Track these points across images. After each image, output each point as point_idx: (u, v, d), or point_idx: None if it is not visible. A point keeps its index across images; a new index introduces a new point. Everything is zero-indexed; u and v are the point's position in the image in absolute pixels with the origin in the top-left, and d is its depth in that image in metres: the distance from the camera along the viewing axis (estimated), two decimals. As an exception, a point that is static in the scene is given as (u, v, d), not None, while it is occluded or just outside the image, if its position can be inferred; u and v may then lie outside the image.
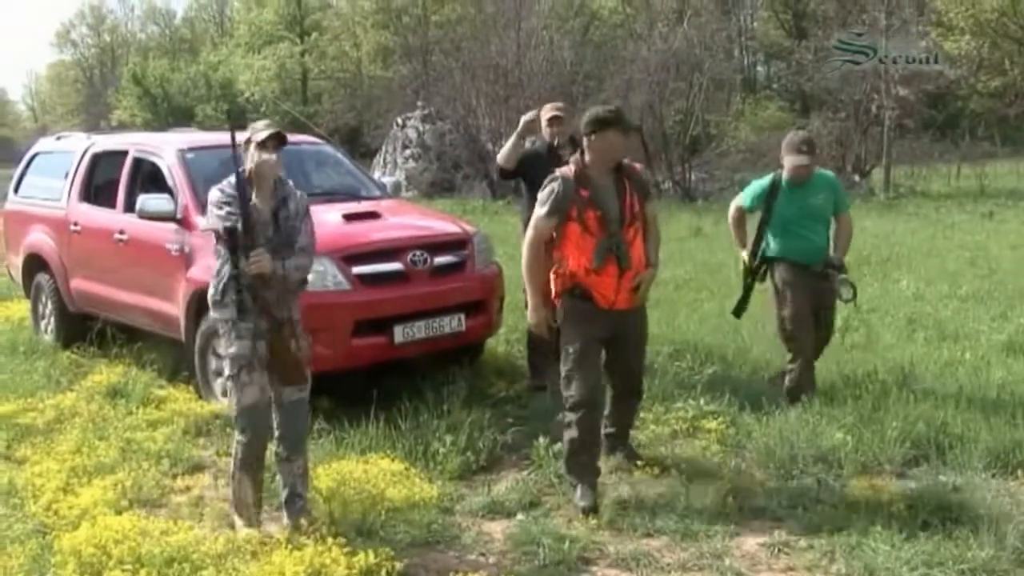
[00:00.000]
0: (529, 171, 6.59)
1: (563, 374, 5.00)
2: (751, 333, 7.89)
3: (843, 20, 29.90)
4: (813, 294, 6.11)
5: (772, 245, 6.24)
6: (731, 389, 6.41)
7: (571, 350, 4.95)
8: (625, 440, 5.52)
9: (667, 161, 26.18)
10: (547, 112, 6.80)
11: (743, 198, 6.39)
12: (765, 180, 6.26)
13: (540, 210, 4.96)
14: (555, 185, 4.91)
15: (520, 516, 4.83)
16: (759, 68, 51.81)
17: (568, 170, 4.96)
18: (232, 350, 4.52)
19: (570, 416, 4.97)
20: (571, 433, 4.97)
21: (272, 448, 4.67)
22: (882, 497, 4.78)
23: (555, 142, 6.72)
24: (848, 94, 26.69)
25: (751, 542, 4.50)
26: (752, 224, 6.38)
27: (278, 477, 4.73)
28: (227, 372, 4.62)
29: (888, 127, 24.91)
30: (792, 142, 6.05)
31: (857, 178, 25.80)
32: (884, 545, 4.24)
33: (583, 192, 4.87)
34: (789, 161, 6.01)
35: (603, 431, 5.30)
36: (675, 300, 9.85)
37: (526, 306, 5.24)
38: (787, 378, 6.20)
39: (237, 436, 4.63)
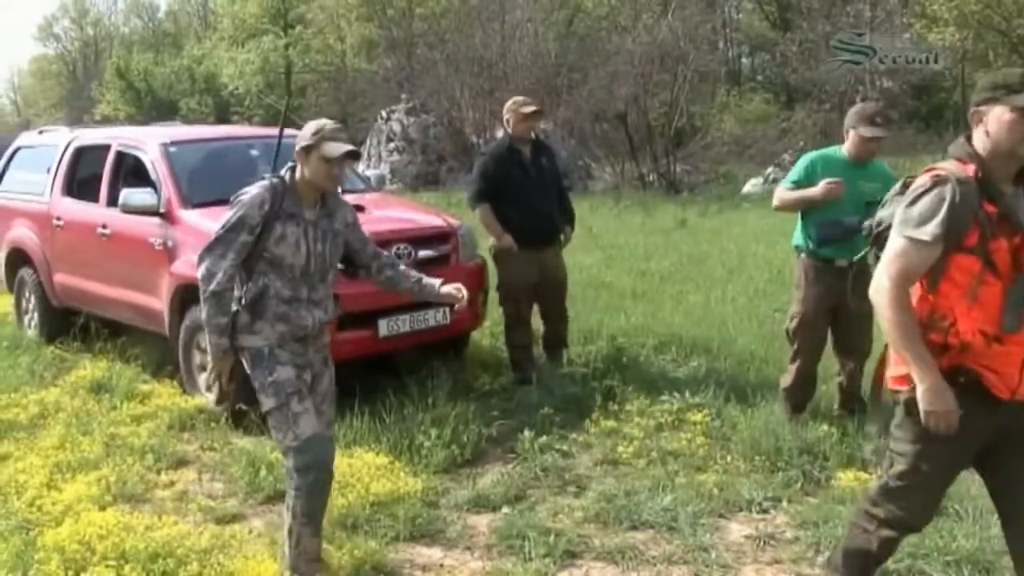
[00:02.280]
0: (501, 181, 6.64)
1: (887, 483, 3.39)
2: (736, 325, 7.91)
3: (827, 12, 29.94)
4: (832, 294, 5.48)
5: (802, 230, 5.71)
6: (716, 382, 6.41)
7: (926, 468, 3.27)
8: None
9: (652, 153, 26.23)
10: (526, 107, 6.78)
11: (789, 177, 5.67)
12: (817, 154, 5.66)
13: (917, 230, 3.03)
14: (944, 191, 3.00)
15: (505, 509, 4.82)
16: (744, 60, 51.86)
17: (959, 168, 3.08)
18: (273, 377, 3.88)
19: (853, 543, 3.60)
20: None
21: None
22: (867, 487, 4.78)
23: (535, 138, 6.70)
24: (833, 85, 26.76)
25: (737, 534, 4.51)
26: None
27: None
28: (266, 405, 3.91)
29: (873, 118, 24.93)
30: (865, 112, 5.47)
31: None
32: (870, 536, 4.24)
33: (989, 207, 3.01)
34: (862, 132, 5.38)
35: None
36: (660, 292, 9.87)
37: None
38: (782, 379, 5.94)
39: (294, 482, 3.90)
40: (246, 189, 3.92)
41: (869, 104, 5.52)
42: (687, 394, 6.23)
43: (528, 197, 6.65)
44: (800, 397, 5.84)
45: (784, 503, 4.79)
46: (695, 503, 4.74)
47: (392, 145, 27.21)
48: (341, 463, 5.16)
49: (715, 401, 6.11)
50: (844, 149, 5.57)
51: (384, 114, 28.13)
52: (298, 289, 3.94)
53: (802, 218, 5.69)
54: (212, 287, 3.81)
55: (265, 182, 3.91)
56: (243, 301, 3.88)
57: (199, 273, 3.86)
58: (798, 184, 5.58)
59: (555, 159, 7.18)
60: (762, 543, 4.40)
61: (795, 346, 5.81)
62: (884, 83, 25.57)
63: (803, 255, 5.73)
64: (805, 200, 5.52)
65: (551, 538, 4.40)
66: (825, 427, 5.51)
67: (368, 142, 28.29)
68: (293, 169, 3.95)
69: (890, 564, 4.01)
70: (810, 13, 32.20)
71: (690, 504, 4.73)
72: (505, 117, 6.86)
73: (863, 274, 3.60)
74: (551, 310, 7.03)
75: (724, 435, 5.69)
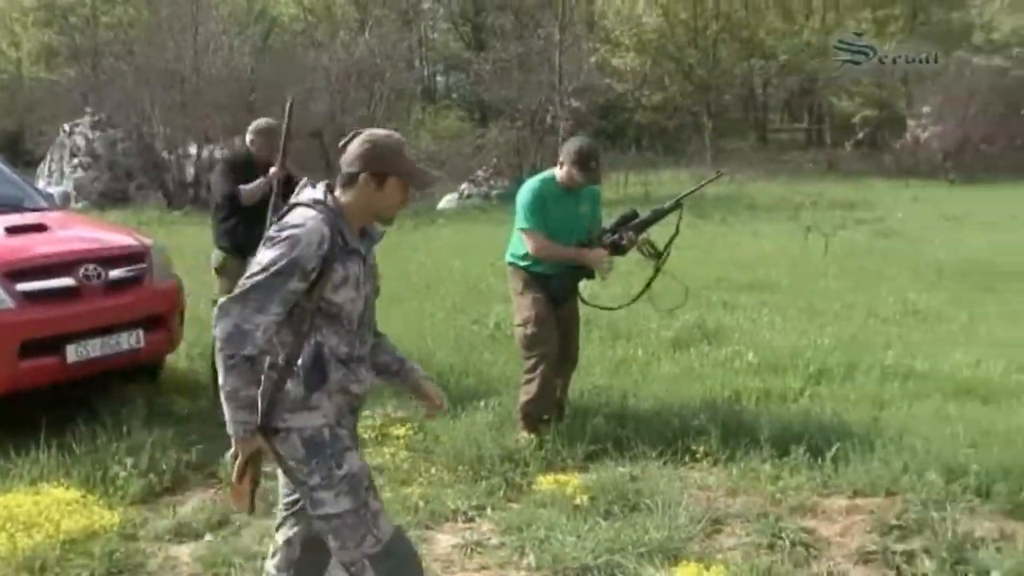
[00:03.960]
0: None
1: None
2: (435, 339, 8.04)
3: (520, 34, 31.16)
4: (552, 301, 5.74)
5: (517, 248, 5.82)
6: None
7: None
8: None
9: (349, 170, 26.14)
10: (264, 124, 6.66)
11: (527, 219, 5.67)
12: (539, 186, 5.71)
13: None
14: None
15: (209, 537, 4.66)
16: (439, 78, 52.86)
17: None
18: (345, 469, 3.06)
19: None
20: None
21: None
22: (567, 491, 4.99)
23: (266, 154, 6.55)
24: (525, 104, 27.78)
25: (444, 544, 4.57)
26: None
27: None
28: (335, 506, 3.06)
29: (562, 136, 26.08)
30: (582, 155, 5.55)
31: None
32: (571, 536, 4.43)
33: None
34: (576, 177, 5.57)
35: None
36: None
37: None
38: (523, 393, 5.79)
39: None
40: (292, 219, 3.03)
41: (585, 145, 5.62)
42: (389, 408, 6.26)
43: (260, 213, 6.48)
44: (546, 406, 5.74)
45: (489, 510, 4.91)
46: (402, 516, 4.76)
47: (76, 161, 25.66)
48: (26, 501, 4.83)
49: (418, 414, 6.15)
50: (558, 177, 5.70)
51: (67, 127, 26.50)
52: (353, 345, 3.14)
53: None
54: (245, 350, 2.91)
55: (316, 212, 3.03)
56: (295, 368, 3.04)
57: (222, 331, 2.93)
58: (538, 224, 5.63)
59: (292, 178, 7.07)
60: (469, 551, 4.48)
61: (534, 352, 5.70)
62: (573, 103, 26.80)
63: (516, 268, 5.84)
64: (573, 258, 5.70)
65: (258, 563, 4.29)
66: (524, 434, 5.69)
67: (49, 157, 26.57)
68: (331, 188, 3.15)
69: (589, 560, 4.22)
70: (503, 34, 33.36)
71: (396, 518, 4.75)
72: (248, 138, 6.71)
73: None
74: None
75: (427, 448, 5.75)
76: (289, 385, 3.03)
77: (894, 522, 4.55)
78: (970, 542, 4.33)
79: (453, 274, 12.34)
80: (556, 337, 5.72)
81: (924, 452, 5.22)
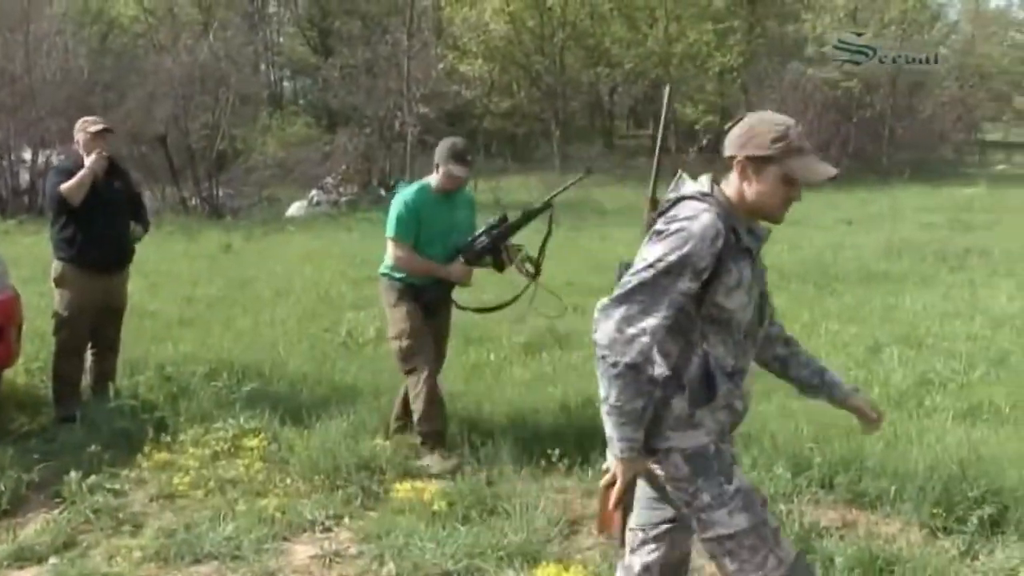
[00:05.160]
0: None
1: None
2: (287, 347, 7.93)
3: (367, 40, 30.97)
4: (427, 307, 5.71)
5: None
6: (271, 405, 6.33)
7: None
8: None
9: (194, 176, 25.62)
10: (94, 127, 6.40)
11: (397, 230, 5.58)
12: (411, 196, 5.60)
13: None
14: None
15: (53, 560, 4.46)
16: (286, 83, 52.02)
17: None
18: (736, 484, 2.81)
19: None
20: None
21: None
22: (424, 497, 4.98)
23: (109, 159, 6.34)
24: (373, 110, 27.64)
25: (302, 555, 4.51)
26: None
27: None
28: (730, 525, 2.78)
29: (411, 143, 26.06)
30: (456, 150, 5.55)
31: (383, 192, 26.77)
32: (430, 543, 4.43)
33: None
34: (453, 170, 5.54)
35: None
36: (208, 319, 9.66)
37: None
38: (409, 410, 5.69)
39: None
40: (682, 211, 2.73)
41: (458, 141, 5.65)
42: (242, 420, 6.11)
43: (98, 220, 6.28)
44: (438, 417, 5.59)
45: (346, 519, 4.87)
46: (258, 529, 4.67)
47: None
48: None
49: (271, 424, 6.06)
50: (434, 184, 5.65)
51: None
52: (739, 357, 2.84)
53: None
54: (629, 357, 2.62)
55: (707, 205, 2.73)
56: (682, 381, 2.77)
57: (603, 335, 2.65)
58: (406, 234, 5.55)
59: (131, 182, 6.86)
60: (328, 561, 4.43)
61: (411, 364, 5.58)
62: (421, 109, 26.78)
63: (390, 280, 5.72)
64: (433, 274, 5.63)
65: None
66: (380, 441, 5.67)
67: None
68: (715, 181, 2.85)
69: (449, 566, 4.24)
70: (351, 40, 33.13)
71: (252, 531, 4.67)
72: (76, 137, 6.46)
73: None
74: (105, 339, 6.66)
75: (282, 458, 5.65)
76: (675, 400, 2.77)
77: (743, 516, 4.70)
78: (815, 531, 4.52)
79: (304, 282, 12.19)
80: (432, 347, 5.67)
81: (771, 448, 5.41)
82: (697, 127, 39.15)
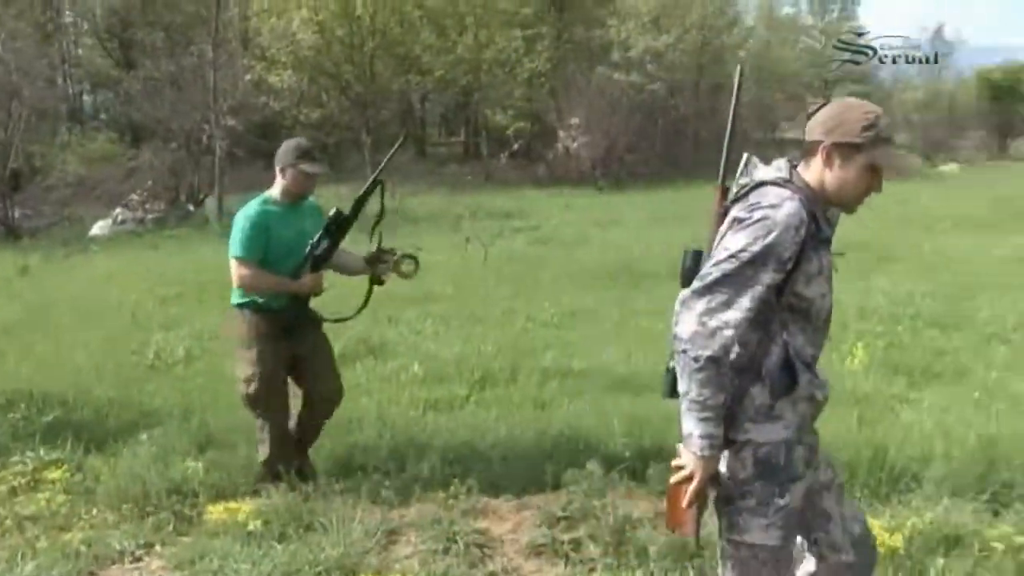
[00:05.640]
0: None
1: None
2: (91, 373, 7.64)
3: (171, 51, 30.10)
4: (290, 345, 5.22)
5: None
6: (74, 433, 6.06)
7: None
8: None
9: (-11, 196, 24.35)
10: None
11: (244, 248, 5.08)
12: (256, 213, 5.13)
13: None
14: None
15: None
16: (86, 97, 49.96)
17: None
18: (786, 500, 2.74)
19: None
20: None
21: None
22: (239, 518, 4.86)
23: None
24: (179, 124, 26.89)
25: (109, 588, 4.34)
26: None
27: None
28: (751, 537, 2.75)
29: (219, 156, 25.46)
30: (303, 148, 5.18)
31: (191, 207, 26.11)
32: (245, 564, 4.33)
33: None
34: (304, 168, 5.13)
35: None
36: (3, 346, 9.17)
37: None
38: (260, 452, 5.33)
39: None
40: (764, 198, 2.64)
41: (302, 140, 5.27)
42: (42, 451, 5.82)
43: None
44: (284, 460, 5.27)
45: (158, 547, 4.70)
46: (61, 565, 4.46)
47: None
48: None
49: (75, 455, 5.81)
50: (278, 192, 5.21)
51: None
52: (817, 346, 2.79)
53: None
54: (711, 351, 2.55)
55: (790, 192, 2.64)
56: (763, 372, 2.68)
57: (685, 328, 2.58)
58: (252, 252, 5.08)
59: None
60: (137, 592, 4.30)
61: (257, 411, 5.24)
62: (229, 122, 26.21)
63: (247, 311, 5.18)
64: (288, 287, 5.18)
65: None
66: (191, 463, 5.50)
67: None
68: (794, 167, 2.76)
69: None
70: (154, 51, 32.12)
71: (55, 568, 4.45)
72: None
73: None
74: None
75: (88, 488, 5.41)
76: (754, 391, 2.68)
77: (560, 514, 4.79)
78: (629, 524, 4.61)
79: (109, 304, 11.74)
80: (284, 392, 5.26)
81: (585, 445, 5.52)
82: (509, 133, 39.64)
